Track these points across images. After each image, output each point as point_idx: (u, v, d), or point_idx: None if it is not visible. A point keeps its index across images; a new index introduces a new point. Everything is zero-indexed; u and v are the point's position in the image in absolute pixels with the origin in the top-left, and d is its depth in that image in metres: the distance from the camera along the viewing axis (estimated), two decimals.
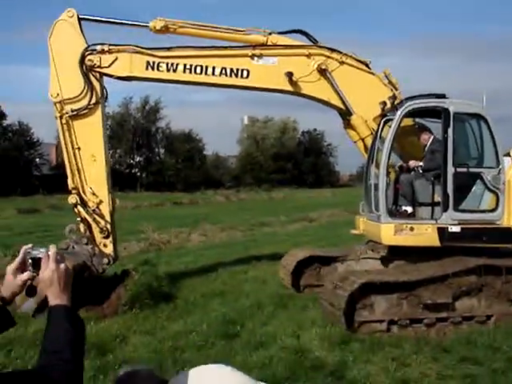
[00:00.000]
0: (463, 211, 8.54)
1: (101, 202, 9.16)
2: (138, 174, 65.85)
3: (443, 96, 8.76)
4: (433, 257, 8.56)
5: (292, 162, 76.51)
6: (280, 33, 9.98)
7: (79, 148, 9.09)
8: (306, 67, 9.76)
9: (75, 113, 9.06)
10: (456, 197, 8.47)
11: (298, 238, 19.78)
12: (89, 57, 9.31)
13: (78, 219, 9.19)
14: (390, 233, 8.47)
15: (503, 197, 8.55)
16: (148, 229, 18.63)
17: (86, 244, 8.88)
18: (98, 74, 9.39)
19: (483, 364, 6.47)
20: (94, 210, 9.09)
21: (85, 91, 9.21)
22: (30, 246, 2.03)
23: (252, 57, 9.66)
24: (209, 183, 61.20)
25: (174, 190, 56.51)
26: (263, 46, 9.77)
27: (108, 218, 9.24)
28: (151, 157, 66.70)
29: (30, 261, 1.99)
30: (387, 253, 9.36)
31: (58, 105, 9.11)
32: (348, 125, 10.48)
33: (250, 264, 13.08)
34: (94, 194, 9.11)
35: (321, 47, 9.86)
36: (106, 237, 9.18)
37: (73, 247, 8.80)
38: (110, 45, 9.41)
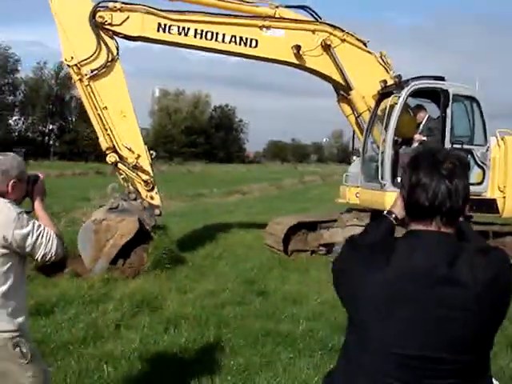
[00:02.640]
0: None
1: (139, 156, 9.15)
2: (51, 142, 63.05)
3: (442, 78, 9.59)
4: None
5: (204, 136, 76.54)
6: (287, 6, 10.32)
7: (106, 107, 8.97)
8: (311, 42, 10.22)
9: (95, 72, 8.94)
10: None
11: (246, 209, 20.32)
12: (100, 13, 9.18)
13: (121, 177, 9.12)
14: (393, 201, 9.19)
15: (489, 172, 9.58)
16: (94, 197, 18.30)
17: (135, 199, 8.88)
18: (109, 32, 9.26)
19: None
20: (134, 166, 9.06)
21: (99, 49, 9.09)
22: None
23: (261, 28, 9.97)
24: None
25: (88, 160, 54.69)
26: (272, 18, 10.07)
27: (150, 170, 9.27)
28: (64, 125, 64.00)
29: None
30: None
31: (74, 68, 8.94)
32: (342, 99, 11.12)
33: (224, 231, 13.41)
34: (130, 149, 9.06)
35: (324, 24, 10.33)
36: (151, 189, 9.23)
37: (122, 205, 8.76)
38: (123, 3, 9.32)
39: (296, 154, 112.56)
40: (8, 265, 2.79)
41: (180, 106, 76.41)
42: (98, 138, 9.19)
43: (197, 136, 75.39)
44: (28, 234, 2.82)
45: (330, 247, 11.10)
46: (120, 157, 9.09)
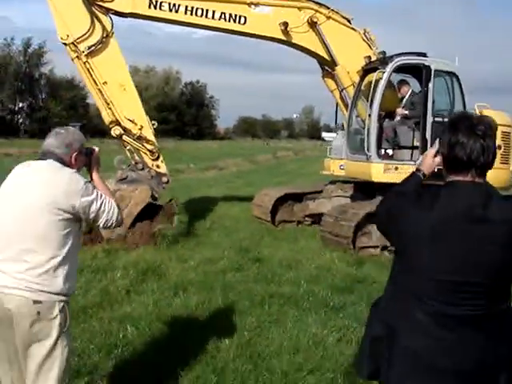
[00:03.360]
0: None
1: (142, 126, 9.38)
2: (21, 120, 61.82)
3: (424, 54, 10.00)
4: None
5: (175, 112, 76.04)
6: None
7: (106, 82, 9.13)
8: (297, 19, 10.50)
9: (92, 49, 9.06)
10: (432, 142, 9.84)
11: (225, 183, 20.65)
12: None
13: (127, 148, 9.35)
14: (379, 171, 9.67)
15: None
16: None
17: (142, 169, 9.14)
18: (102, 9, 9.38)
19: None
20: (138, 137, 9.28)
21: (94, 26, 9.21)
22: None
23: (249, 5, 10.20)
24: (94, 132, 59.08)
25: None
26: None
27: (154, 140, 9.51)
28: (34, 103, 62.72)
29: None
30: (361, 190, 10.64)
31: (71, 46, 9.05)
32: (326, 75, 11.48)
33: (210, 204, 13.74)
34: (132, 121, 9.28)
35: (310, 1, 10.61)
36: (157, 158, 9.49)
37: (131, 175, 9.02)
38: None
39: (266, 129, 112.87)
40: (68, 229, 2.93)
41: (151, 82, 75.62)
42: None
43: (168, 112, 74.74)
44: (93, 202, 2.99)
45: (315, 217, 11.58)
46: (124, 129, 9.31)
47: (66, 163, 3.05)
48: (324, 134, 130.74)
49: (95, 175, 3.26)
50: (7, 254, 2.88)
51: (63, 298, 2.93)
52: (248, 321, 5.60)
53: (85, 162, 3.22)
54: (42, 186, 2.93)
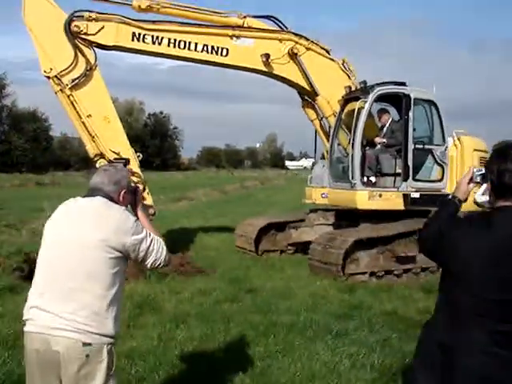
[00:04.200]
0: (418, 181, 10.20)
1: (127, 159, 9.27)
2: None
3: (404, 83, 10.31)
4: (392, 220, 10.07)
5: (139, 144, 75.46)
6: (254, 17, 10.75)
7: (90, 115, 9.06)
8: (278, 51, 10.69)
9: (76, 82, 9.00)
10: (414, 169, 10.09)
11: (199, 214, 20.55)
12: (75, 22, 9.25)
13: None
14: (364, 199, 9.82)
15: (448, 169, 10.38)
16: (47, 207, 18.00)
17: None
18: (86, 42, 9.37)
19: None
20: (109, 161, 9.17)
21: (77, 59, 9.17)
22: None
23: (232, 37, 10.34)
24: (57, 164, 58.51)
25: (22, 171, 52.92)
26: (241, 27, 10.47)
27: (139, 172, 9.40)
28: None
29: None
30: (345, 217, 10.78)
31: (54, 79, 8.99)
32: (306, 105, 11.68)
33: (189, 236, 13.64)
34: (118, 154, 9.19)
35: (290, 33, 10.84)
36: (143, 190, 9.31)
37: None
38: (98, 13, 9.45)
39: (230, 159, 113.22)
40: (118, 268, 2.88)
41: None
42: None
43: (132, 144, 73.85)
44: (142, 240, 2.94)
45: (298, 246, 11.65)
46: (109, 161, 9.21)
47: (114, 200, 3.03)
48: (287, 163, 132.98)
49: (140, 213, 3.25)
50: (53, 292, 2.81)
51: (111, 339, 2.86)
52: (256, 351, 5.56)
53: (130, 199, 3.20)
54: (94, 222, 2.89)
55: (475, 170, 2.85)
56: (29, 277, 8.46)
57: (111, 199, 3.01)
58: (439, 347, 2.56)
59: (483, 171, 2.82)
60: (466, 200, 2.89)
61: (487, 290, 2.42)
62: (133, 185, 3.25)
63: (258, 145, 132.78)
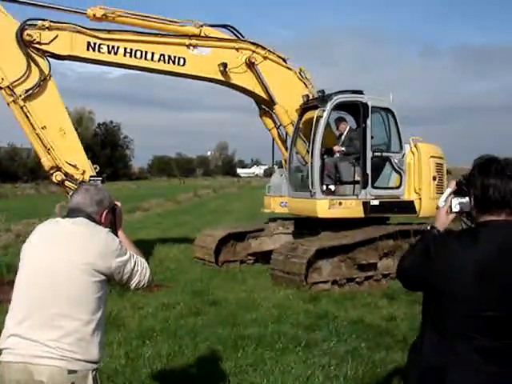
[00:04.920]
0: (377, 188, 10.33)
1: (84, 171, 9.04)
2: None
3: (361, 92, 10.44)
4: (351, 227, 10.15)
5: (89, 154, 73.85)
6: (210, 25, 10.69)
7: (44, 127, 8.77)
8: (235, 59, 10.68)
9: (29, 92, 8.74)
10: (372, 176, 10.22)
11: (155, 225, 20.28)
12: (28, 31, 9.03)
13: (70, 194, 8.87)
14: (325, 207, 9.87)
15: (405, 176, 10.56)
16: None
17: None
18: (39, 51, 9.10)
19: None
20: (81, 182, 8.88)
21: (30, 69, 8.93)
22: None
23: (188, 46, 10.27)
24: (4, 176, 56.54)
25: None
26: (198, 36, 10.39)
27: None
28: None
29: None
30: (305, 225, 10.81)
31: (7, 90, 8.71)
32: (264, 114, 11.68)
33: (148, 248, 13.31)
34: (74, 166, 8.92)
35: (247, 42, 10.83)
36: None
37: None
38: (51, 21, 9.21)
39: (181, 168, 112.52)
40: (102, 291, 2.76)
41: None
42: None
43: None
44: (127, 262, 2.84)
45: (258, 256, 11.61)
46: (65, 174, 8.94)
47: (96, 221, 2.89)
48: (239, 171, 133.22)
49: (121, 232, 3.10)
50: (35, 319, 2.63)
51: (95, 365, 2.72)
52: (227, 366, 5.46)
53: (111, 219, 3.05)
54: (78, 246, 2.74)
55: (453, 200, 2.84)
56: None
57: (93, 220, 2.88)
58: (430, 370, 2.52)
59: (461, 200, 2.81)
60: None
61: (477, 308, 2.39)
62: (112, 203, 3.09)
63: (209, 153, 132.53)
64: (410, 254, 2.73)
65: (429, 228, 2.78)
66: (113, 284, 7.57)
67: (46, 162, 8.99)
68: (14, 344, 2.63)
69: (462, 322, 2.41)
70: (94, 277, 2.70)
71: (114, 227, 3.08)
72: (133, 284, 2.93)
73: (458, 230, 2.71)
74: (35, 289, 2.70)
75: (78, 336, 2.63)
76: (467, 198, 2.64)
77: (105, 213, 2.95)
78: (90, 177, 8.87)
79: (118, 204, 3.15)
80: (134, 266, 2.88)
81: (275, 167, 12.58)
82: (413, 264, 2.63)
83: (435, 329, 2.53)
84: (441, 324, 2.49)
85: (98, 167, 9.59)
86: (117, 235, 3.05)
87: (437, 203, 7.98)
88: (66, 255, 2.71)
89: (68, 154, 9.08)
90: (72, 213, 2.89)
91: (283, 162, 11.89)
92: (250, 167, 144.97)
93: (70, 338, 2.61)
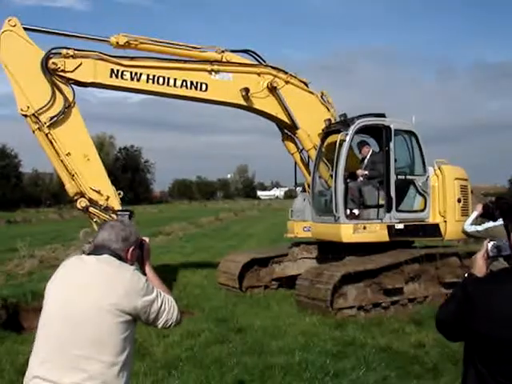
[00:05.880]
0: (402, 211, 10.19)
1: (108, 197, 9.08)
2: None
3: (383, 115, 10.37)
4: (376, 251, 9.99)
5: (111, 178, 74.62)
6: (232, 51, 10.76)
7: (69, 153, 8.86)
8: (257, 84, 10.70)
9: (54, 120, 8.85)
10: (396, 200, 10.09)
11: (178, 249, 20.26)
12: (53, 60, 9.17)
13: (94, 220, 8.94)
14: (349, 232, 9.75)
15: (430, 199, 10.41)
16: (21, 247, 17.49)
17: None
18: (63, 79, 9.23)
19: None
20: (105, 207, 8.94)
21: (55, 96, 9.04)
22: None
23: (210, 72, 10.32)
24: (28, 201, 57.38)
25: None
26: (219, 62, 10.45)
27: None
28: None
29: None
30: (337, 250, 10.67)
31: (32, 117, 8.83)
32: (286, 138, 11.65)
33: (171, 273, 13.34)
34: (98, 192, 8.98)
35: (268, 67, 10.86)
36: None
37: None
38: (75, 49, 9.35)
39: (202, 191, 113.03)
40: (127, 332, 2.67)
41: None
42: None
43: None
44: (154, 301, 2.75)
45: (282, 281, 11.49)
46: (89, 200, 9.00)
47: (122, 258, 2.82)
48: (259, 193, 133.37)
49: (148, 269, 3.02)
50: (57, 360, 2.56)
51: None
52: None
53: (138, 255, 2.98)
54: (103, 285, 2.67)
55: (489, 244, 2.75)
56: (8, 325, 8.12)
57: (119, 257, 2.82)
58: None
59: (498, 243, 2.72)
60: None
61: None
62: (140, 239, 3.03)
63: (229, 176, 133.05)
64: (448, 303, 2.61)
65: (466, 275, 2.69)
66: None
67: (71, 188, 9.06)
68: None
69: (509, 368, 2.28)
70: (119, 317, 2.62)
71: (141, 263, 3.02)
72: (160, 323, 2.83)
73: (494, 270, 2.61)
74: (57, 329, 2.63)
75: (101, 379, 2.54)
76: (504, 241, 2.56)
77: (131, 249, 2.88)
78: (118, 211, 8.88)
79: (147, 240, 3.08)
80: (161, 305, 2.79)
81: (298, 190, 12.48)
82: (453, 311, 2.51)
83: (478, 377, 2.40)
84: (485, 370, 2.36)
85: (121, 193, 9.64)
86: (144, 271, 2.98)
87: (462, 226, 7.72)
88: (89, 295, 2.64)
89: (92, 180, 9.14)
90: (97, 249, 2.83)
91: (306, 186, 11.81)
92: (270, 189, 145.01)
93: (94, 381, 2.53)
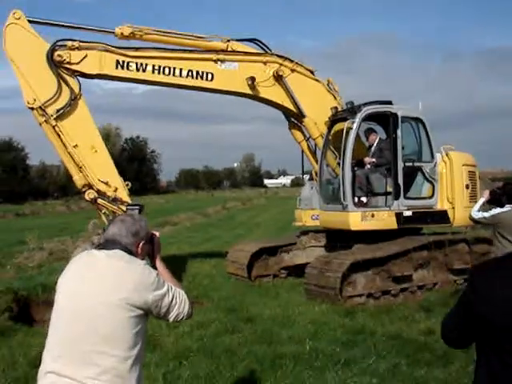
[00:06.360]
0: (410, 198, 10.16)
1: (116, 188, 9.12)
2: None
3: (390, 102, 10.31)
4: (384, 239, 9.97)
5: (118, 169, 74.81)
6: (237, 40, 10.69)
7: (76, 145, 8.87)
8: (263, 73, 10.64)
9: (61, 112, 8.86)
10: (404, 187, 10.05)
11: (186, 239, 20.32)
12: (58, 52, 9.16)
13: (102, 211, 8.98)
14: (357, 220, 9.74)
15: (438, 186, 10.37)
16: (30, 239, 17.60)
17: None
18: (69, 71, 9.22)
19: None
20: (114, 199, 8.98)
21: (61, 89, 9.04)
22: None
23: (216, 61, 10.28)
24: (35, 194, 57.64)
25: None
26: (225, 51, 10.40)
27: (129, 200, 9.23)
28: None
29: None
30: (346, 238, 10.66)
31: (38, 110, 8.83)
32: (293, 126, 11.60)
33: (180, 263, 13.37)
34: (106, 183, 9.01)
35: (274, 55, 10.80)
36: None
37: None
38: (81, 41, 9.33)
39: (209, 180, 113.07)
40: (139, 326, 2.67)
41: None
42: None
43: None
44: (165, 295, 2.75)
45: (291, 269, 11.51)
46: (98, 192, 9.02)
47: (132, 253, 2.81)
48: (266, 181, 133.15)
49: (159, 263, 3.01)
50: (71, 355, 2.57)
51: None
52: None
53: (148, 249, 2.97)
54: (113, 279, 2.67)
55: None
56: (19, 317, 8.17)
57: (129, 251, 2.81)
58: None
59: None
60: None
61: None
62: (149, 232, 3.00)
63: (235, 165, 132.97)
64: (452, 309, 2.56)
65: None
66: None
67: (78, 180, 9.08)
68: (53, 382, 2.57)
69: None
70: (130, 312, 2.62)
71: (152, 257, 3.02)
72: (171, 317, 2.84)
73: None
74: (69, 325, 2.64)
75: (115, 373, 2.55)
76: None
77: (141, 244, 2.86)
78: (128, 205, 8.90)
79: (157, 234, 3.07)
80: (172, 299, 2.79)
81: (306, 178, 12.46)
82: (456, 310, 2.44)
83: (488, 363, 2.36)
84: (495, 357, 2.33)
85: (129, 184, 9.66)
86: (155, 265, 2.98)
87: (470, 212, 7.72)
88: (100, 290, 2.64)
89: (100, 172, 9.16)
90: (108, 244, 2.82)
91: (313, 174, 11.78)
92: (277, 178, 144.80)
93: (107, 376, 2.53)
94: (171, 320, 2.86)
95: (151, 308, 2.72)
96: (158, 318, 2.84)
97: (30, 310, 8.87)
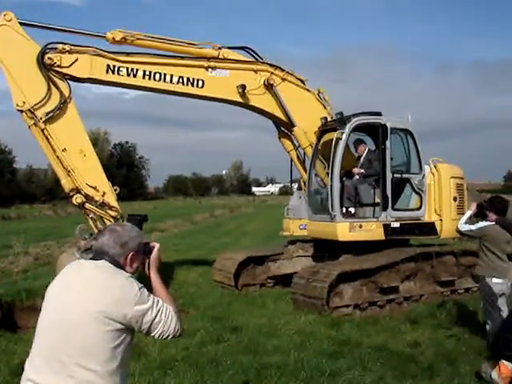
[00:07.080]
0: (398, 210, 10.17)
1: (104, 193, 9.04)
2: None
3: (379, 113, 10.34)
4: (372, 250, 9.98)
5: (106, 175, 74.36)
6: (229, 47, 10.69)
7: (65, 149, 8.80)
8: (254, 81, 10.64)
9: (50, 115, 8.77)
10: (392, 198, 10.07)
11: (172, 246, 20.22)
12: (48, 55, 9.08)
13: (90, 216, 8.89)
14: (345, 230, 9.73)
15: (426, 198, 10.40)
16: (16, 244, 17.37)
17: None
18: (59, 74, 9.16)
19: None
20: (101, 203, 8.90)
21: (51, 92, 8.96)
22: None
23: (207, 68, 10.26)
24: (22, 197, 57.17)
25: None
26: (216, 59, 10.39)
27: (117, 206, 9.14)
28: None
29: None
30: (334, 249, 10.65)
31: (27, 113, 8.74)
32: (283, 135, 11.60)
33: (166, 271, 13.26)
34: (95, 188, 8.94)
35: (265, 64, 10.80)
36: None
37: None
38: (72, 45, 9.27)
39: (197, 187, 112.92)
40: (118, 341, 2.60)
41: None
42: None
43: None
44: (147, 311, 2.66)
45: (278, 279, 11.46)
46: (86, 196, 8.95)
47: (120, 265, 2.76)
48: (255, 189, 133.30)
49: (154, 276, 2.93)
50: (48, 365, 2.54)
51: None
52: None
53: (143, 260, 2.90)
54: (95, 292, 2.62)
55: None
56: (2, 324, 8.05)
57: (117, 263, 2.76)
58: None
59: None
60: None
61: None
62: (148, 243, 2.96)
63: (224, 172, 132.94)
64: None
65: None
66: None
67: (66, 184, 9.00)
68: None
69: None
70: (107, 326, 2.56)
71: (146, 268, 2.95)
72: (155, 335, 2.74)
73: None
74: (50, 336, 2.60)
75: None
76: None
77: (130, 255, 2.81)
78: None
79: (156, 245, 3.00)
80: (156, 316, 2.69)
81: (294, 187, 12.46)
82: None
83: None
84: None
85: (117, 189, 9.58)
86: (149, 277, 2.92)
87: (457, 224, 7.74)
88: (82, 302, 2.59)
89: (88, 176, 9.08)
90: (96, 255, 2.79)
91: (302, 184, 11.78)
92: (265, 185, 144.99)
93: None
94: (156, 337, 2.76)
95: (131, 323, 2.64)
96: (141, 333, 2.76)
97: (13, 316, 8.76)
